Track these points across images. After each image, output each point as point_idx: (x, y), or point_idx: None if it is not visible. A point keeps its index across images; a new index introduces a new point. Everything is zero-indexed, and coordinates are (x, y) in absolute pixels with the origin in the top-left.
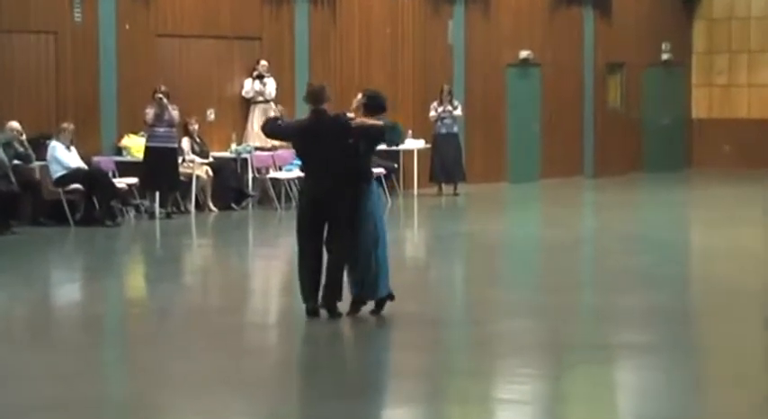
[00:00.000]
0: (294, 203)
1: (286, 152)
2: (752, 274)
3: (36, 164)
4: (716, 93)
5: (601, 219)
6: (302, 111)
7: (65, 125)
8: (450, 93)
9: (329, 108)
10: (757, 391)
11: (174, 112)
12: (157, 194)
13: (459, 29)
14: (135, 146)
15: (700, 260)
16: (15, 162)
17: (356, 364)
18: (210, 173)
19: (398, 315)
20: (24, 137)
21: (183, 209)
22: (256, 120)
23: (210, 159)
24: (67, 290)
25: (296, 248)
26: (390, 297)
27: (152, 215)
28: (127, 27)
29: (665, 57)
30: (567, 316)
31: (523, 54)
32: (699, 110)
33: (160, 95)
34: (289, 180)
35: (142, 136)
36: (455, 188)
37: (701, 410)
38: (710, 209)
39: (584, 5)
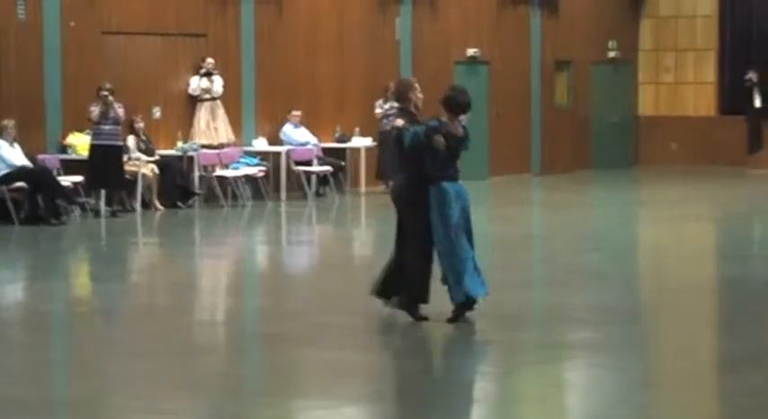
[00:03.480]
0: (240, 201)
1: (233, 150)
2: (700, 271)
3: None
4: (663, 91)
5: (549, 217)
6: (248, 109)
7: (6, 122)
8: None
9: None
10: (705, 388)
11: (120, 110)
12: (103, 192)
13: (407, 26)
14: (80, 144)
15: (648, 257)
16: None
17: (304, 364)
18: (156, 171)
19: (348, 313)
20: None
21: (128, 207)
22: (203, 117)
23: (156, 157)
24: (11, 290)
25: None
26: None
27: (97, 213)
28: (72, 24)
29: (612, 54)
30: (517, 315)
31: (471, 51)
32: (646, 107)
33: (105, 93)
34: (235, 178)
35: (87, 134)
36: None
37: (650, 408)
38: (658, 206)
39: (532, 3)
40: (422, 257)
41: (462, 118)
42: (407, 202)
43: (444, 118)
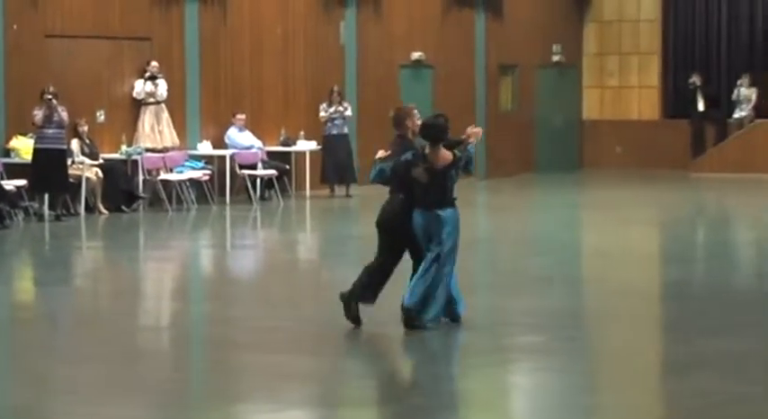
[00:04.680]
0: (185, 205)
1: (177, 154)
2: (644, 274)
3: None
4: (607, 95)
5: (494, 221)
6: (193, 113)
7: None
8: (339, 93)
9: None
10: (651, 391)
11: (64, 114)
12: (47, 196)
13: (351, 30)
14: (23, 147)
15: (593, 261)
16: None
17: (249, 368)
18: (100, 174)
19: (293, 318)
20: None
21: (72, 211)
22: (147, 121)
23: (100, 161)
24: None
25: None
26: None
27: (41, 217)
28: (15, 27)
29: (556, 58)
30: (463, 319)
31: (416, 55)
32: (590, 111)
33: (49, 96)
34: (180, 182)
35: (31, 137)
36: (347, 190)
37: (596, 411)
38: (603, 209)
39: (476, 7)
40: (388, 267)
41: (471, 141)
42: (398, 227)
43: (427, 148)
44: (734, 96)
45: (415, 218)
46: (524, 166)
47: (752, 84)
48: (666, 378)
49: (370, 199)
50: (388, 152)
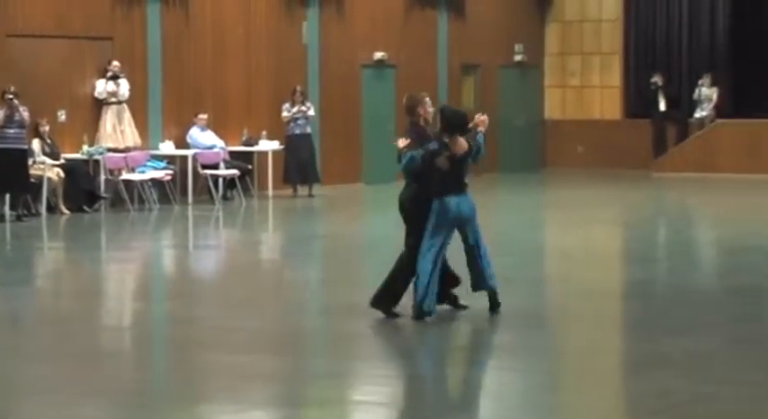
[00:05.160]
0: (147, 205)
1: (139, 154)
2: (606, 274)
3: None
4: (569, 95)
5: None
6: (155, 112)
7: None
8: (302, 93)
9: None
10: (613, 390)
11: (25, 113)
12: (7, 196)
13: (314, 29)
14: None
15: (555, 260)
16: None
17: (211, 368)
18: (62, 174)
19: (255, 318)
20: None
21: (33, 211)
22: (109, 121)
23: (62, 161)
24: None
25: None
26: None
27: (2, 217)
28: None
29: (518, 58)
30: (425, 319)
31: (378, 55)
32: (552, 111)
33: (10, 96)
34: (142, 182)
35: None
36: (310, 189)
37: (558, 410)
38: (566, 209)
39: (439, 7)
40: (412, 263)
41: (480, 129)
42: (413, 213)
43: (445, 137)
44: (695, 96)
45: (450, 205)
46: (487, 166)
47: (713, 84)
48: (630, 377)
49: (333, 198)
50: (409, 140)
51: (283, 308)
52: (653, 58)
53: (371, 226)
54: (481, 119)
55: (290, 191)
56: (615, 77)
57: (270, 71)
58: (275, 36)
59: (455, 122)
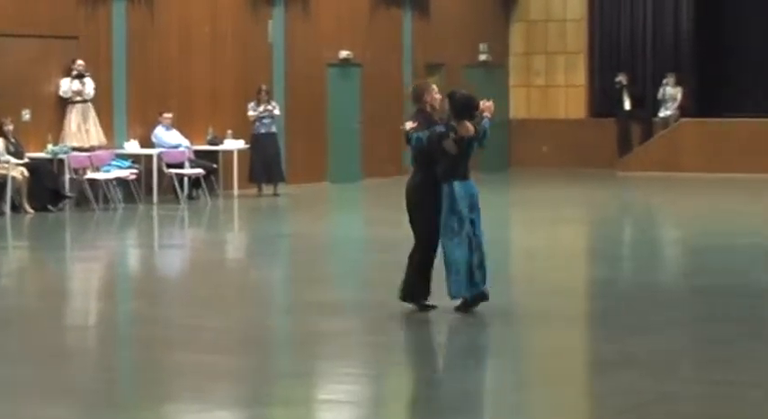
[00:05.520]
0: (112, 204)
1: (104, 153)
2: (572, 273)
3: None
4: (534, 94)
5: None
6: (119, 111)
7: None
8: (267, 92)
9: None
10: (579, 389)
11: None
12: None
13: (279, 28)
14: None
15: (521, 260)
16: None
17: (177, 367)
18: (26, 173)
19: (220, 317)
20: None
21: None
22: (74, 119)
23: (26, 160)
24: None
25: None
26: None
27: None
28: None
29: (483, 57)
30: (390, 316)
31: (343, 54)
32: (517, 110)
33: None
34: (107, 181)
35: None
36: (275, 188)
37: (524, 408)
38: (531, 208)
39: (404, 6)
40: (426, 253)
41: (486, 115)
42: (419, 202)
43: (453, 121)
44: (659, 95)
45: (456, 191)
46: None
47: (677, 84)
48: (595, 376)
49: (298, 197)
50: (415, 124)
51: (249, 307)
52: (617, 58)
53: (337, 225)
54: (487, 104)
55: (255, 190)
56: (580, 77)
57: (235, 70)
58: (240, 35)
59: (464, 106)
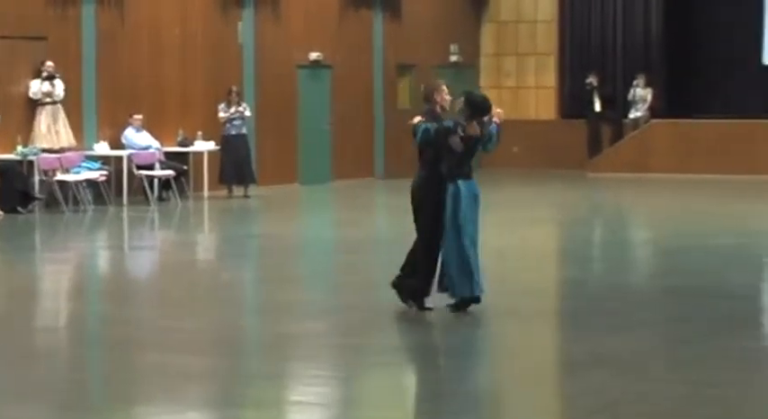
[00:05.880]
0: (82, 206)
1: (74, 154)
2: (542, 274)
3: None
4: (504, 95)
5: (393, 220)
6: (89, 113)
7: None
8: (238, 94)
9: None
10: (549, 389)
11: None
12: None
13: (249, 30)
14: None
15: (492, 260)
16: None
17: (148, 369)
18: None
19: (191, 318)
20: None
21: None
22: (44, 121)
23: None
24: None
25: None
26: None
27: None
28: None
29: (453, 58)
30: (361, 317)
31: (314, 55)
32: None
33: None
34: (77, 182)
35: None
36: (246, 190)
37: (496, 410)
38: (501, 209)
39: (374, 7)
40: (429, 252)
41: (495, 120)
42: (422, 199)
43: (462, 119)
44: (630, 96)
45: (462, 190)
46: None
47: (647, 85)
48: (566, 376)
49: (269, 199)
50: (423, 119)
51: (220, 309)
52: (588, 59)
53: (307, 226)
54: (498, 111)
55: (225, 191)
56: (550, 78)
57: (205, 71)
58: (211, 36)
59: (479, 107)
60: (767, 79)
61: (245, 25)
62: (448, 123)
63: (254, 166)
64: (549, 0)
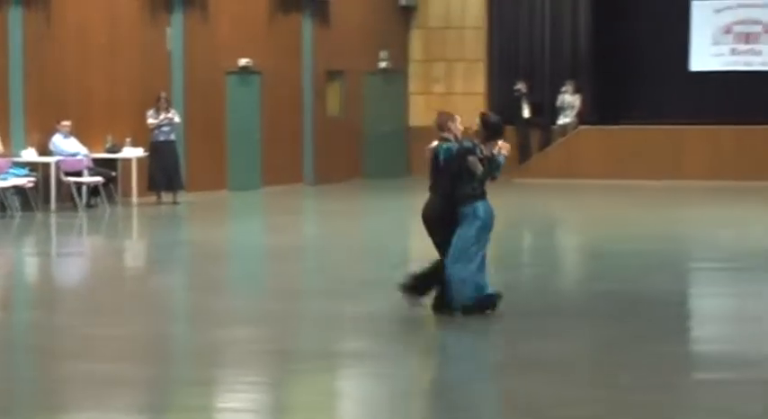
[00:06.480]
0: (9, 212)
1: (1, 161)
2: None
3: None
4: (433, 101)
5: (322, 227)
6: (16, 119)
7: None
8: (166, 100)
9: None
10: (476, 394)
11: None
12: None
13: (178, 36)
14: None
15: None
16: None
17: (75, 377)
18: None
19: (119, 325)
20: None
21: None
22: None
23: None
24: None
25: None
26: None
27: None
28: None
29: (383, 65)
30: (290, 324)
31: (243, 61)
32: (417, 117)
33: None
34: (4, 189)
35: None
36: (174, 196)
37: (419, 415)
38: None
39: (304, 13)
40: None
41: (503, 153)
42: (437, 227)
43: (477, 141)
44: (558, 103)
45: (481, 212)
46: (353, 172)
47: (575, 92)
48: (494, 381)
49: (198, 205)
50: (440, 142)
51: (148, 316)
52: (516, 66)
53: (236, 232)
54: (506, 145)
55: (154, 198)
56: (479, 84)
57: (134, 77)
58: (139, 42)
59: (495, 128)
60: (694, 85)
61: (174, 31)
62: (467, 144)
63: (182, 173)
64: (478, 6)
